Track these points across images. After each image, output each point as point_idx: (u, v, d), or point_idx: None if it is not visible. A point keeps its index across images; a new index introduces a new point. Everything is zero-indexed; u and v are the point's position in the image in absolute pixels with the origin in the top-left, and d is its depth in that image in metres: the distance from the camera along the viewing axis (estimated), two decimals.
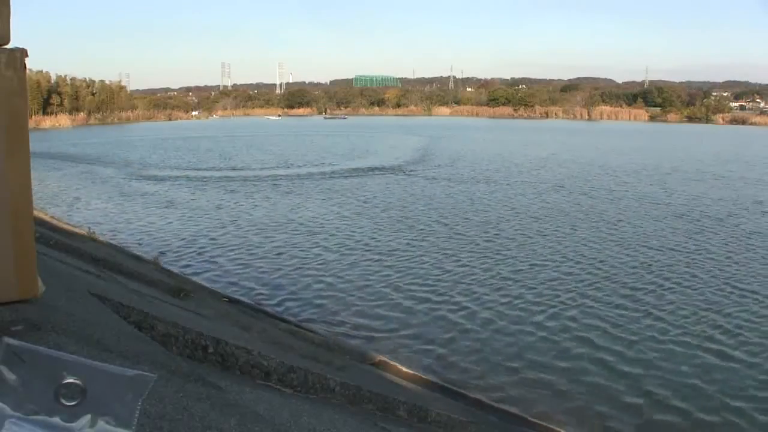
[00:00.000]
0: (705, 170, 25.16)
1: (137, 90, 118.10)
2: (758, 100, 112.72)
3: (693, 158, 31.03)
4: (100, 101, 77.56)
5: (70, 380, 0.79)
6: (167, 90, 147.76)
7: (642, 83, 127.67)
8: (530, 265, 10.09)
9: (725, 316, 7.68)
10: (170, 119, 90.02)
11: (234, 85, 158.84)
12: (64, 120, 66.41)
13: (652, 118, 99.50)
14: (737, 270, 9.90)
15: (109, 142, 41.28)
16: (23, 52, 1.22)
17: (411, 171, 24.13)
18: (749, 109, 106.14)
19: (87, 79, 78.12)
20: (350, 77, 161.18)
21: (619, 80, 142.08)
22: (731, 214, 15.01)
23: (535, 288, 8.81)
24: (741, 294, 8.61)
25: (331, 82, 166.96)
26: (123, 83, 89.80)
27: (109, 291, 2.89)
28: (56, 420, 0.76)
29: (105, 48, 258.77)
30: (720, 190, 19.46)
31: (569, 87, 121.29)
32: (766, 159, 32.14)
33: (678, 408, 5.40)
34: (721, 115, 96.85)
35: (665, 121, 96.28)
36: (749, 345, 6.78)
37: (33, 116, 59.66)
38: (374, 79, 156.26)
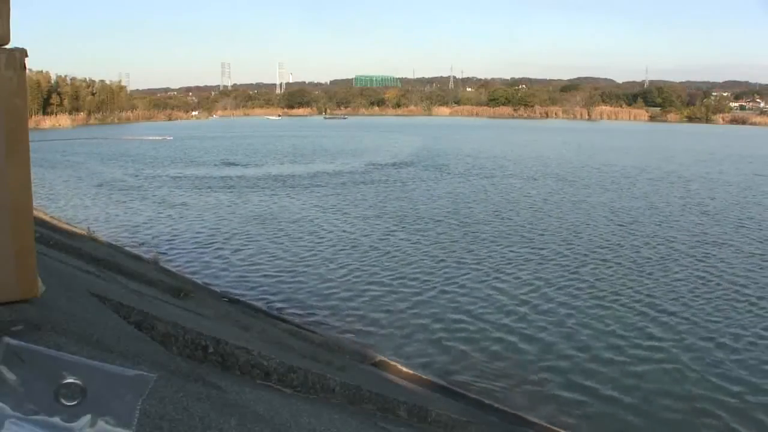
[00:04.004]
0: (673, 170, 25.23)
1: (137, 90, 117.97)
2: (758, 100, 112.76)
3: (671, 158, 31.09)
4: (100, 101, 77.46)
5: (70, 380, 0.80)
6: (167, 90, 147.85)
7: (642, 83, 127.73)
8: (530, 264, 10.09)
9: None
10: (170, 119, 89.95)
11: (234, 85, 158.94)
12: (64, 120, 66.32)
13: (652, 118, 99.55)
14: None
15: (110, 143, 41.34)
16: (23, 52, 1.22)
17: (412, 170, 24.15)
18: (749, 109, 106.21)
19: (87, 79, 78.10)
20: (350, 77, 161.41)
21: (619, 80, 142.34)
22: (659, 215, 14.95)
23: (534, 288, 8.81)
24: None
25: (331, 82, 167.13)
26: (123, 83, 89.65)
27: (109, 291, 2.89)
28: (56, 420, 0.76)
29: (105, 48, 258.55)
30: (669, 190, 19.49)
31: (569, 87, 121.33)
32: (744, 158, 32.10)
33: (680, 407, 5.41)
34: (721, 115, 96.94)
35: (665, 121, 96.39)
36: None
37: (33, 116, 59.56)
38: (374, 79, 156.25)
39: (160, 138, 44.16)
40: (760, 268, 10.04)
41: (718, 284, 9.12)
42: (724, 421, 5.18)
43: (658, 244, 11.80)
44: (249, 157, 30.89)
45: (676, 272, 9.72)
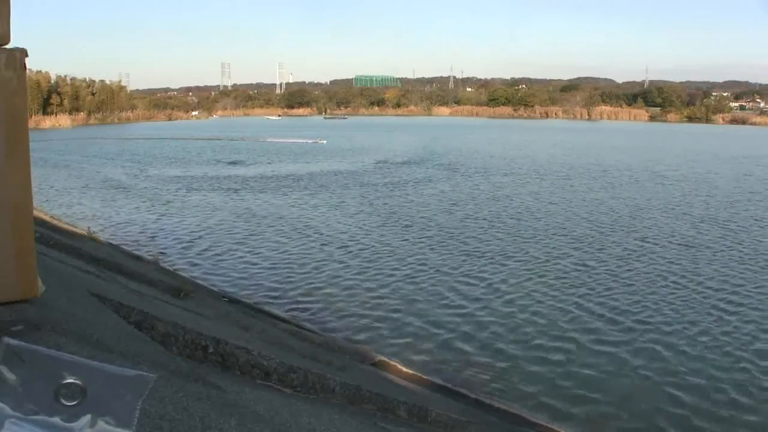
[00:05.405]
0: (663, 170, 25.27)
1: (137, 90, 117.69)
2: (758, 100, 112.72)
3: (665, 158, 31.12)
4: (100, 101, 77.47)
5: (70, 380, 0.80)
6: (167, 90, 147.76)
7: (642, 83, 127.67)
8: (528, 263, 10.10)
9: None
10: (170, 119, 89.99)
11: (234, 85, 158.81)
12: (64, 120, 66.34)
13: (652, 118, 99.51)
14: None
15: (109, 144, 41.34)
16: (23, 52, 1.22)
17: (410, 170, 24.16)
18: (749, 109, 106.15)
19: (87, 79, 78.12)
20: (350, 77, 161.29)
21: (619, 80, 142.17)
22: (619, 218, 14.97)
23: (534, 288, 8.81)
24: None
25: (331, 82, 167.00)
26: (123, 83, 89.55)
27: (109, 291, 2.89)
28: (56, 420, 0.76)
29: (105, 48, 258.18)
30: (656, 189, 19.54)
31: (569, 87, 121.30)
32: (738, 158, 32.06)
33: (683, 407, 5.41)
34: (721, 115, 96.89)
35: (665, 120, 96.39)
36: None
37: (33, 116, 59.58)
38: (374, 79, 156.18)
39: (311, 141, 39.73)
40: (735, 268, 10.06)
41: (694, 281, 9.20)
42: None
43: (638, 239, 11.97)
44: (249, 158, 30.89)
45: (656, 271, 9.76)
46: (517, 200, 17.07)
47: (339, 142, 40.88)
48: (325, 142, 39.63)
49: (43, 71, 69.42)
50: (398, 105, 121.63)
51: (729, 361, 6.37)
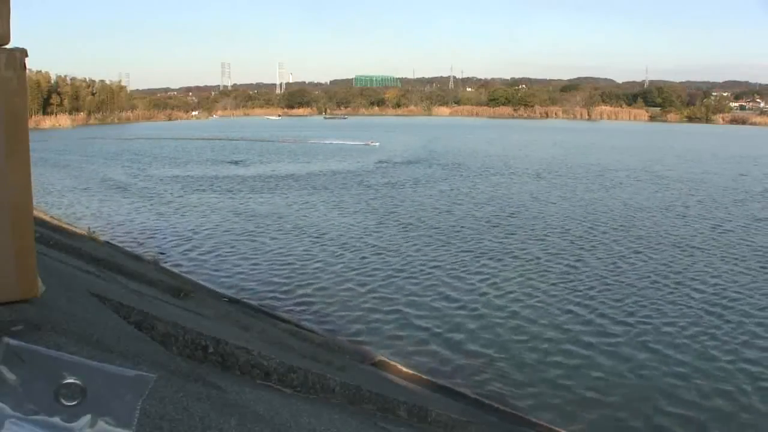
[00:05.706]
0: (659, 170, 25.36)
1: (137, 90, 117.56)
2: (758, 100, 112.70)
3: (661, 158, 31.13)
4: (100, 101, 77.48)
5: (70, 380, 0.80)
6: (167, 90, 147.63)
7: (642, 83, 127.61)
8: (527, 263, 10.10)
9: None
10: (170, 119, 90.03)
11: (234, 85, 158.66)
12: (64, 120, 66.36)
13: (652, 118, 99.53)
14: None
15: (109, 144, 41.30)
16: (23, 52, 1.22)
17: (409, 169, 24.18)
18: (749, 109, 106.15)
19: (87, 79, 78.16)
20: (350, 77, 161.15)
21: (619, 80, 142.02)
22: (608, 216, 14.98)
23: (533, 287, 8.81)
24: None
25: (331, 82, 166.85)
26: (123, 83, 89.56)
27: (109, 291, 2.89)
28: (56, 420, 0.76)
29: (105, 48, 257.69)
30: (650, 190, 19.58)
31: (569, 87, 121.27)
32: (735, 158, 32.05)
33: (684, 407, 5.41)
34: (721, 115, 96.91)
35: (665, 121, 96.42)
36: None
37: (33, 116, 59.58)
38: (374, 79, 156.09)
39: (363, 143, 38.22)
40: (721, 268, 10.05)
41: (680, 281, 9.22)
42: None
43: (633, 239, 12.04)
44: (249, 158, 30.90)
45: (648, 273, 9.77)
46: (516, 200, 17.07)
47: (388, 144, 39.19)
48: (377, 144, 38.01)
49: (43, 71, 69.54)
50: (398, 105, 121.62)
51: (720, 360, 6.37)
